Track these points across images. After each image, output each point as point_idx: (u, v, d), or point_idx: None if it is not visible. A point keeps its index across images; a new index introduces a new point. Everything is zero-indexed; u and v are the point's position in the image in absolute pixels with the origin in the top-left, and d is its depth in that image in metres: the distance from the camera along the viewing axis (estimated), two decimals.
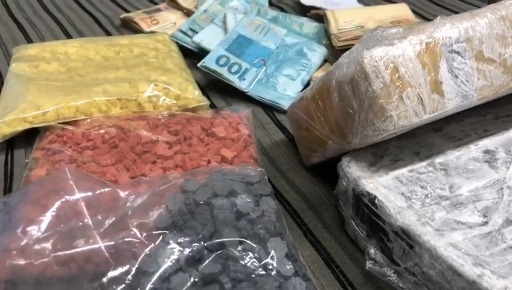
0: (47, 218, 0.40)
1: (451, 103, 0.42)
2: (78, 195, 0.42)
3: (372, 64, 0.41)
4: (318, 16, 0.86)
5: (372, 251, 0.43)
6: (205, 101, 0.66)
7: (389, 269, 0.41)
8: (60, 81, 0.66)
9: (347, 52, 0.44)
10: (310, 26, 0.83)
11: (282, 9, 0.98)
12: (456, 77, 0.43)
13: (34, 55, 0.73)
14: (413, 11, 0.97)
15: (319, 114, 0.49)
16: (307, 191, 0.55)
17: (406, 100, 0.41)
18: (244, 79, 0.70)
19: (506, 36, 0.45)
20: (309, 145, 0.55)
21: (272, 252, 0.40)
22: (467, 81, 0.43)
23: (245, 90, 0.70)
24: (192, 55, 0.79)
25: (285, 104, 0.67)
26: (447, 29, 0.43)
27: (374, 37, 0.42)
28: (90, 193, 0.43)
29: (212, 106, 0.70)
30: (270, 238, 0.41)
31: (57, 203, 0.41)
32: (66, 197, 0.42)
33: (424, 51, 0.42)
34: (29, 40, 0.87)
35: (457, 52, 0.43)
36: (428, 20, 0.94)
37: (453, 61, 0.43)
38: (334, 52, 0.74)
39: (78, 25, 0.93)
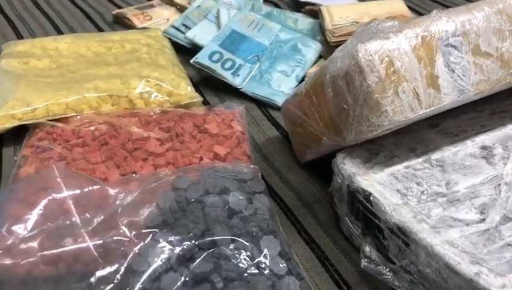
0: (34, 216, 0.39)
1: (448, 98, 0.42)
2: (66, 193, 0.41)
3: (366, 58, 0.40)
4: (313, 11, 0.85)
5: (367, 249, 0.42)
6: (198, 98, 0.65)
7: (384, 268, 0.41)
8: (50, 78, 0.65)
9: (341, 46, 0.43)
10: (304, 22, 0.82)
11: (276, 5, 0.97)
12: (453, 71, 0.42)
13: (24, 51, 0.71)
14: (409, 7, 0.96)
15: (313, 110, 0.48)
16: (301, 188, 0.54)
17: (402, 95, 0.40)
18: (238, 75, 0.69)
19: (503, 30, 0.44)
20: (303, 142, 0.54)
21: (265, 251, 0.39)
22: (464, 76, 0.42)
23: (239, 87, 0.69)
24: (186, 51, 0.77)
25: (280, 101, 0.66)
26: (443, 23, 0.43)
27: (368, 30, 0.41)
28: (78, 191, 0.42)
29: (205, 102, 0.69)
30: (263, 236, 0.41)
31: (44, 202, 0.40)
32: (53, 195, 0.41)
33: (420, 45, 0.41)
34: (19, 37, 0.86)
35: (454, 46, 0.43)
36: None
37: (450, 55, 0.42)
38: (329, 48, 0.73)
39: (70, 22, 0.91)
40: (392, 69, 0.40)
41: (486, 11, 0.44)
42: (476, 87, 0.43)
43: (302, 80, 0.71)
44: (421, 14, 0.94)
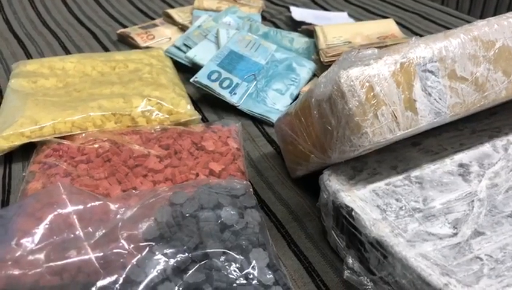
0: (41, 230, 0.43)
1: (425, 120, 0.45)
2: (70, 208, 0.44)
3: (348, 83, 0.43)
4: (308, 31, 0.89)
5: (350, 260, 0.45)
6: (196, 115, 0.68)
7: (365, 278, 0.43)
8: (57, 97, 0.69)
9: (325, 72, 0.46)
10: (300, 41, 0.86)
11: (275, 24, 1.00)
12: (430, 95, 0.45)
13: (32, 71, 0.75)
14: (404, 26, 1.00)
15: (302, 129, 0.51)
16: (292, 203, 0.57)
17: (381, 118, 0.43)
18: (235, 93, 0.73)
19: (477, 56, 0.47)
20: (294, 159, 0.57)
21: (254, 263, 0.42)
22: (440, 99, 0.45)
23: (236, 105, 0.72)
24: (186, 69, 0.81)
25: (274, 118, 0.70)
26: (421, 50, 0.46)
27: (349, 58, 0.44)
28: (82, 207, 0.45)
29: (204, 119, 0.72)
30: (253, 249, 0.44)
31: (50, 216, 0.44)
32: (59, 210, 0.44)
33: (398, 71, 0.44)
34: (28, 56, 0.90)
35: (431, 72, 0.46)
36: (417, 34, 0.97)
37: (427, 80, 0.45)
38: (322, 67, 0.76)
39: (77, 40, 0.95)
40: (372, 94, 0.43)
41: (462, 38, 0.47)
42: (451, 109, 0.46)
43: (296, 97, 0.74)
44: (415, 33, 0.97)
